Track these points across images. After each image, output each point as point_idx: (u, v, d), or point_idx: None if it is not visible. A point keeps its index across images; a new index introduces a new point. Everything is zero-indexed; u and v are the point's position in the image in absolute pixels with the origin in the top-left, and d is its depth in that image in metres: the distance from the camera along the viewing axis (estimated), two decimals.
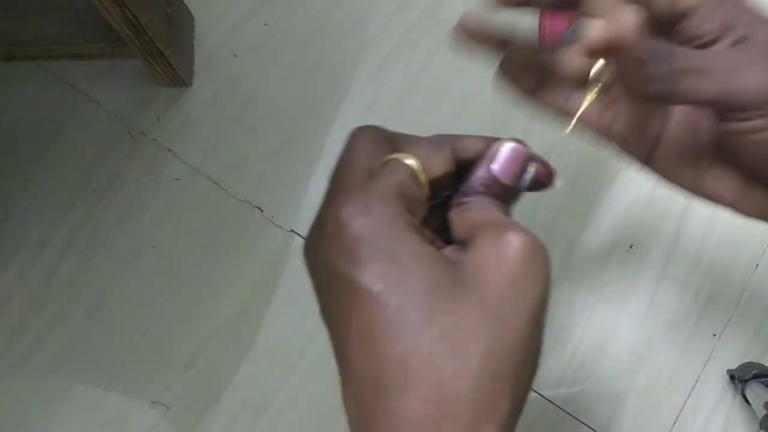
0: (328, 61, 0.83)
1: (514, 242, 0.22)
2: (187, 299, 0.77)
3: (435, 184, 0.26)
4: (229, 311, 0.76)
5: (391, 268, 0.21)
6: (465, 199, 0.26)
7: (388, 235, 0.22)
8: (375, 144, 0.26)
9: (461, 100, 0.82)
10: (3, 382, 0.75)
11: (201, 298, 0.77)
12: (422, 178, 0.25)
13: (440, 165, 0.26)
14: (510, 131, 0.32)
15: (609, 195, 0.80)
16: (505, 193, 0.27)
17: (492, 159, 0.26)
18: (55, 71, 0.82)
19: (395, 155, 0.25)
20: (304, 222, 0.77)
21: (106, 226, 0.79)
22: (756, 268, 0.79)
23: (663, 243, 0.79)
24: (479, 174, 0.26)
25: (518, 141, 0.27)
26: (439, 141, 0.27)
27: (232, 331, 0.76)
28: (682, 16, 0.25)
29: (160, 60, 0.74)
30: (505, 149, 0.27)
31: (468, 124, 0.80)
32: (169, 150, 0.80)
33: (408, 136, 0.27)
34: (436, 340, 0.20)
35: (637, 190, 0.80)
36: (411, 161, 0.25)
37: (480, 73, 0.86)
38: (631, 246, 0.79)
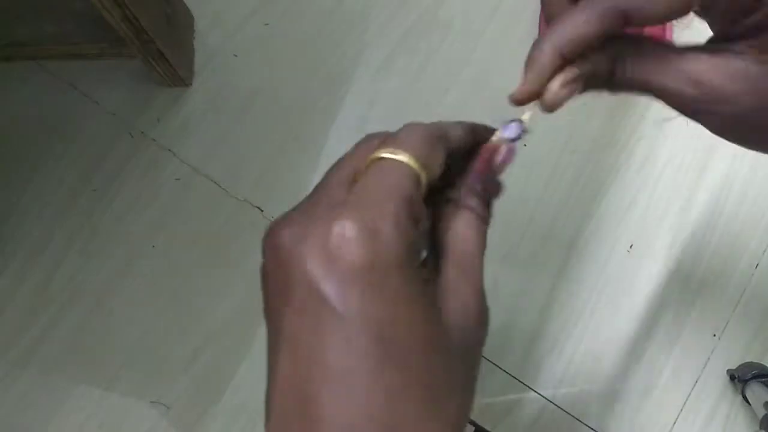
0: (328, 61, 0.83)
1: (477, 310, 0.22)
2: (188, 299, 0.77)
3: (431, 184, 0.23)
4: (229, 311, 0.76)
5: (386, 324, 0.18)
6: (466, 202, 0.24)
7: (391, 273, 0.18)
8: (366, 143, 0.23)
9: (461, 100, 0.82)
10: (3, 381, 0.75)
11: (201, 298, 0.77)
12: (423, 179, 0.21)
13: (439, 165, 0.22)
14: None
15: (609, 195, 0.80)
16: (493, 190, 0.25)
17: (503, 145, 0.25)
18: (55, 71, 0.82)
19: (385, 151, 0.21)
20: None
21: (106, 226, 0.79)
22: (756, 268, 0.79)
23: (663, 243, 0.79)
24: (480, 172, 0.25)
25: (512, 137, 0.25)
26: (431, 134, 0.23)
27: (232, 331, 0.76)
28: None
29: (160, 60, 0.74)
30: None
31: None
32: (169, 150, 0.80)
33: (395, 132, 0.23)
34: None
35: (637, 190, 0.80)
36: (407, 159, 0.21)
37: (479, 73, 0.86)
38: (631, 246, 0.79)
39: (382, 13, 0.85)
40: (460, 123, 0.25)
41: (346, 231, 0.18)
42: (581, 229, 0.79)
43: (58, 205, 0.79)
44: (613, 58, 0.25)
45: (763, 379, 0.71)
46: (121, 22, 0.66)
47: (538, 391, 0.75)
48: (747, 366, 0.73)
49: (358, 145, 0.23)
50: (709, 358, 0.76)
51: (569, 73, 0.24)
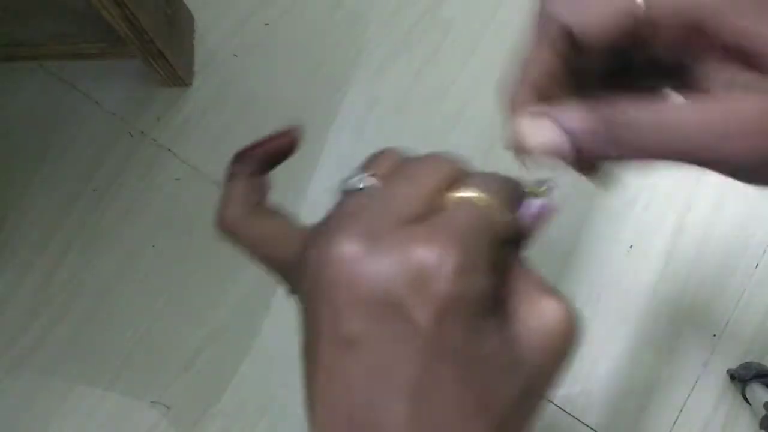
0: (328, 61, 0.83)
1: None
2: (188, 299, 0.77)
3: None
4: (229, 312, 0.76)
5: (467, 367, 0.18)
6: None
7: (473, 310, 0.18)
8: (431, 166, 0.22)
9: (461, 100, 0.82)
10: (3, 381, 0.75)
11: (201, 298, 0.77)
12: (503, 230, 0.21)
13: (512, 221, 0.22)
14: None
15: (609, 195, 0.80)
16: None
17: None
18: (55, 71, 0.82)
19: (474, 191, 0.21)
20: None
21: (106, 226, 0.79)
22: (756, 268, 0.79)
23: (663, 243, 0.79)
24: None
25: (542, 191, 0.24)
26: (514, 190, 0.22)
27: (232, 332, 0.76)
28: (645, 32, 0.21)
29: (160, 60, 0.74)
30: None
31: (468, 125, 0.80)
32: (169, 150, 0.80)
33: (473, 171, 0.22)
34: None
35: (637, 190, 0.80)
36: (497, 207, 0.20)
37: (480, 73, 0.86)
38: (631, 246, 0.79)
39: (382, 13, 0.85)
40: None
41: (442, 260, 0.18)
42: (581, 229, 0.79)
43: (58, 205, 0.79)
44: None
45: (763, 379, 0.71)
46: (121, 22, 0.66)
47: None
48: (747, 366, 0.73)
49: (419, 165, 0.22)
50: (709, 358, 0.76)
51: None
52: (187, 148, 0.80)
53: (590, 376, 0.76)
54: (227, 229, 0.25)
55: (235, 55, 0.83)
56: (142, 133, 0.81)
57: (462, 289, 0.18)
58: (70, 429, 0.74)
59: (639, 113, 0.21)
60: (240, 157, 0.25)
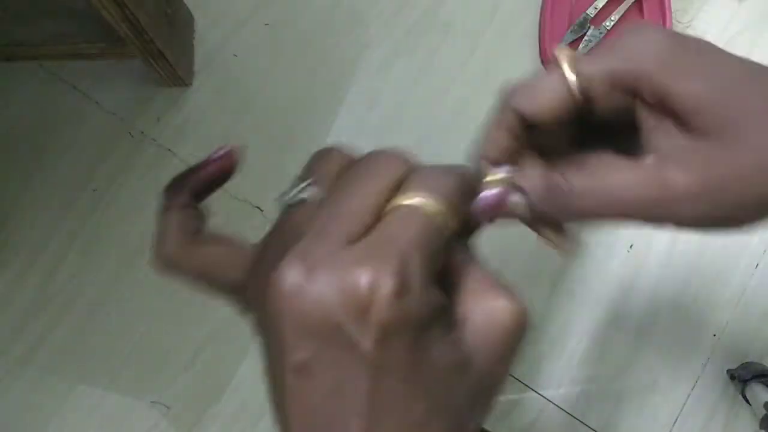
0: (328, 61, 0.83)
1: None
2: (188, 299, 0.77)
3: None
4: (229, 311, 0.76)
5: (408, 386, 0.19)
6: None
7: (417, 330, 0.19)
8: (383, 167, 0.22)
9: (461, 100, 0.82)
10: (3, 382, 0.75)
11: (201, 298, 0.77)
12: (450, 232, 0.21)
13: (463, 217, 0.22)
14: None
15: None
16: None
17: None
18: (55, 71, 0.82)
19: (417, 196, 0.20)
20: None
21: (106, 226, 0.79)
22: (756, 268, 0.79)
23: (663, 243, 0.79)
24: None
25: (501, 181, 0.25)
26: (464, 185, 0.22)
27: (232, 331, 0.76)
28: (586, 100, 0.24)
29: (160, 60, 0.74)
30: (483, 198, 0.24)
31: (468, 125, 0.80)
32: (169, 150, 0.80)
33: (421, 169, 0.22)
34: None
35: None
36: (440, 209, 0.20)
37: (479, 74, 0.86)
38: (631, 246, 0.79)
39: (382, 13, 0.85)
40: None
41: (379, 284, 0.18)
42: (581, 228, 0.79)
43: (58, 205, 0.79)
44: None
45: (763, 379, 0.71)
46: (121, 22, 0.66)
47: (538, 391, 0.75)
48: (747, 366, 0.73)
49: (363, 169, 0.22)
50: (709, 358, 0.76)
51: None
52: (187, 148, 0.80)
53: (590, 376, 0.76)
54: (166, 263, 0.25)
55: (235, 55, 0.83)
56: (142, 133, 0.81)
57: (401, 311, 0.18)
58: (70, 429, 0.74)
59: (575, 178, 0.24)
60: (172, 188, 0.26)
